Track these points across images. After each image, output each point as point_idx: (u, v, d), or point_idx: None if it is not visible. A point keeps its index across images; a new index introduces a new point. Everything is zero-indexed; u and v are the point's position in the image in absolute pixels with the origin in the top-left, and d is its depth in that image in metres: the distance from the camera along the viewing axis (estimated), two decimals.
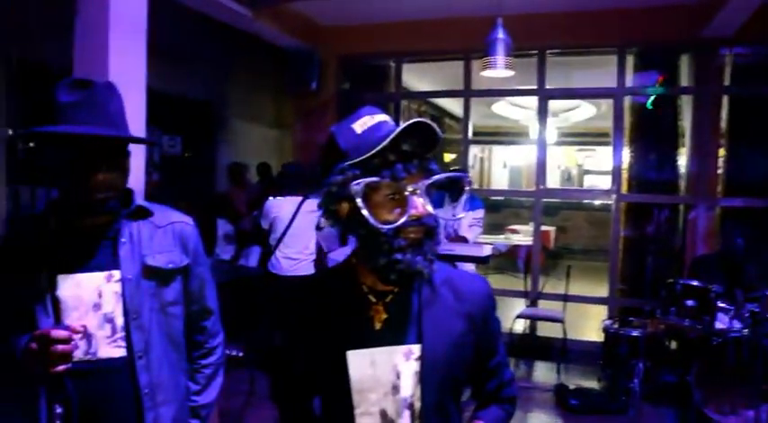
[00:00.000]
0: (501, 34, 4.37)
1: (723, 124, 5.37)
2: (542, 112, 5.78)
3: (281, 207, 4.70)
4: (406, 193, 1.09)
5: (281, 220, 4.65)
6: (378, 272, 1.12)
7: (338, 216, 1.17)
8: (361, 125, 1.14)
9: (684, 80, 5.56)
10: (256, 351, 4.84)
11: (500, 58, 4.34)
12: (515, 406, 1.37)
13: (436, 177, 1.13)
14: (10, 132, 4.29)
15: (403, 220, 1.07)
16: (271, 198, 4.91)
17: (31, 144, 3.85)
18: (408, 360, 1.17)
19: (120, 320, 1.45)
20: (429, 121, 1.08)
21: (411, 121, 1.06)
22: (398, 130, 1.05)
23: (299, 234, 4.66)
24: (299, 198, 4.68)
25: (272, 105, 7.99)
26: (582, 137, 13.60)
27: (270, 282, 4.69)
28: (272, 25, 5.41)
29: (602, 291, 6.05)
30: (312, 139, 6.37)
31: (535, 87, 5.73)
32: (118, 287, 1.46)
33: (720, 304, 4.01)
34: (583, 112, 9.51)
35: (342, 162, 1.12)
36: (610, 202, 5.90)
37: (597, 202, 12.76)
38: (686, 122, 5.56)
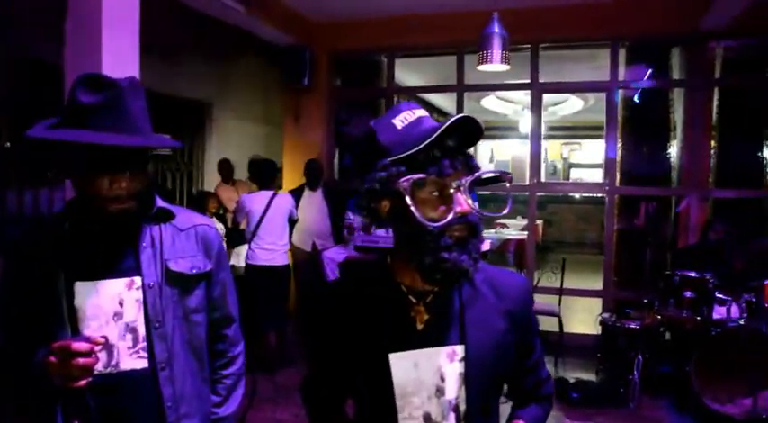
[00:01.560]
0: (497, 28, 4.36)
1: (714, 116, 5.41)
2: (536, 106, 5.78)
3: (252, 201, 4.93)
4: (451, 190, 1.06)
5: (253, 213, 4.87)
6: (423, 271, 1.09)
7: (378, 214, 1.14)
8: (401, 120, 1.12)
9: (676, 73, 5.60)
10: (254, 350, 4.81)
11: (497, 51, 4.32)
12: (552, 404, 1.35)
13: (479, 173, 1.10)
14: None
15: (449, 217, 1.05)
16: (243, 194, 5.19)
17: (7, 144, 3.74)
18: (452, 361, 1.14)
19: (142, 330, 1.39)
20: (474, 117, 1.06)
21: (457, 117, 1.03)
22: (446, 124, 1.02)
23: (271, 226, 4.89)
24: (271, 192, 4.94)
25: (262, 102, 7.92)
26: (568, 131, 13.66)
27: (249, 272, 4.90)
28: (264, 21, 5.35)
29: (593, 283, 6.07)
30: (303, 136, 6.33)
31: (528, 81, 5.72)
32: (139, 294, 1.39)
33: (718, 295, 4.04)
34: (571, 105, 9.55)
35: (382, 158, 1.09)
36: (599, 196, 5.90)
37: (580, 196, 12.87)
38: (678, 115, 5.60)
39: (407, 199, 1.03)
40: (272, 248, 4.87)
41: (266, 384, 4.42)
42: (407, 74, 7.09)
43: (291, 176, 6.22)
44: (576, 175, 16.11)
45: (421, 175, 1.04)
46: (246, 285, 4.93)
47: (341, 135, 6.48)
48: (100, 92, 1.29)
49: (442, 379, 1.13)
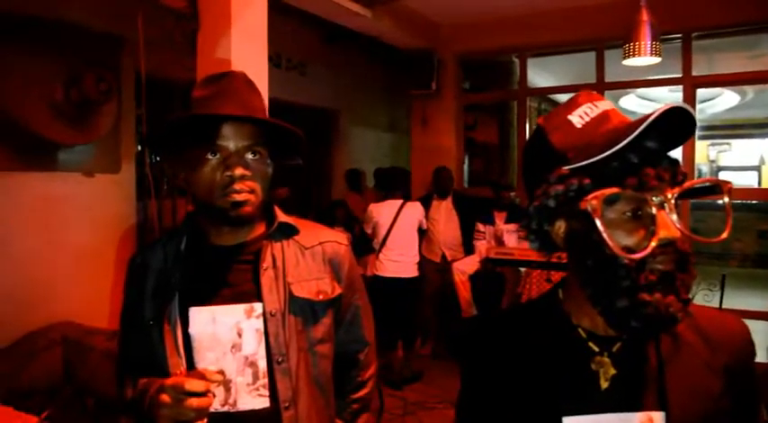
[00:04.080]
0: (646, 16, 3.90)
1: None
2: (688, 103, 5.11)
3: (380, 212, 4.77)
4: (653, 209, 0.78)
5: (381, 224, 4.71)
6: (612, 316, 0.82)
7: (550, 238, 0.88)
8: (580, 116, 0.86)
9: None
10: (383, 364, 4.67)
11: (646, 43, 3.86)
12: None
13: (690, 184, 0.82)
14: (139, 148, 4.38)
15: (652, 245, 0.77)
16: (372, 203, 5.01)
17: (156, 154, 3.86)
18: None
19: (262, 364, 1.22)
20: (686, 106, 0.77)
21: (665, 107, 0.75)
22: (650, 119, 0.74)
23: (400, 237, 4.70)
24: (399, 202, 4.75)
25: (388, 109, 7.86)
26: (717, 130, 12.39)
27: (377, 284, 4.70)
28: (389, 26, 5.22)
29: (754, 302, 5.29)
30: (431, 142, 6.13)
31: (679, 75, 5.12)
32: (260, 323, 1.22)
33: None
34: (724, 101, 8.58)
35: (557, 165, 0.83)
36: (754, 202, 5.12)
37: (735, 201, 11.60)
38: None
39: (597, 222, 0.77)
40: (400, 260, 4.70)
41: (394, 401, 4.25)
42: (537, 74, 6.69)
43: (419, 184, 6.04)
44: (724, 178, 14.66)
45: (614, 190, 0.78)
46: (373, 297, 4.80)
47: (470, 141, 6.22)
48: (212, 84, 1.22)
49: None
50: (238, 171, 1.16)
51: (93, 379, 3.11)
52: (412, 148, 6.37)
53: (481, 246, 5.01)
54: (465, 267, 4.98)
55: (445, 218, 5.27)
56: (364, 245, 5.14)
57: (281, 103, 5.42)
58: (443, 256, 5.29)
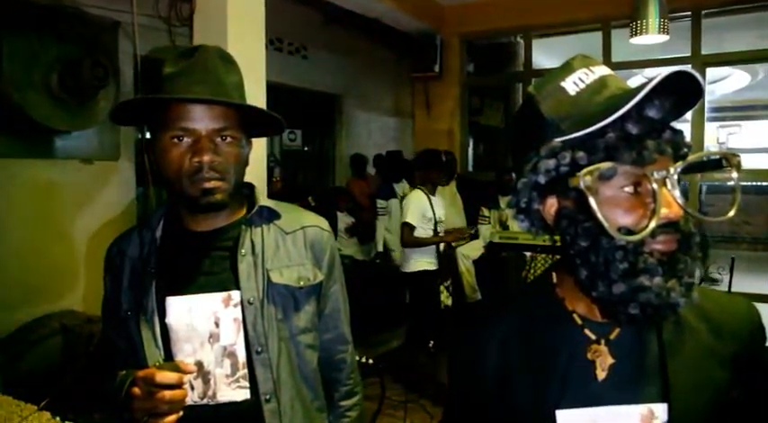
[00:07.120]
0: None
1: None
2: None
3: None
4: (653, 185, 0.71)
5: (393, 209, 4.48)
6: (608, 303, 0.76)
7: (540, 217, 0.82)
8: (575, 82, 0.79)
9: None
10: (384, 354, 4.62)
11: (653, 20, 3.76)
12: None
13: (694, 158, 0.75)
14: (138, 135, 4.33)
15: (652, 225, 0.70)
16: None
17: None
18: None
19: (241, 355, 1.16)
20: (691, 70, 0.70)
21: (668, 72, 0.68)
22: (650, 85, 0.67)
23: (396, 227, 4.45)
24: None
25: (391, 93, 7.76)
26: (727, 111, 12.20)
27: (379, 273, 4.54)
28: (392, 7, 5.14)
29: (765, 286, 5.23)
30: (435, 126, 6.06)
31: (688, 54, 4.99)
32: (237, 312, 1.16)
33: None
34: (734, 81, 8.43)
35: (549, 137, 0.77)
36: (764, 184, 5.02)
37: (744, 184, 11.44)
38: None
39: (591, 200, 0.70)
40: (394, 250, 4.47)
41: (395, 387, 4.21)
42: (544, 55, 6.59)
43: None
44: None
45: (610, 164, 0.71)
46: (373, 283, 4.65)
47: (475, 125, 6.15)
48: (183, 60, 1.13)
49: None
50: (207, 157, 1.09)
51: (93, 368, 3.09)
52: (415, 132, 6.30)
53: (485, 230, 4.95)
54: (469, 252, 4.92)
55: (449, 202, 5.20)
56: (365, 230, 5.04)
57: (282, 87, 5.35)
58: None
